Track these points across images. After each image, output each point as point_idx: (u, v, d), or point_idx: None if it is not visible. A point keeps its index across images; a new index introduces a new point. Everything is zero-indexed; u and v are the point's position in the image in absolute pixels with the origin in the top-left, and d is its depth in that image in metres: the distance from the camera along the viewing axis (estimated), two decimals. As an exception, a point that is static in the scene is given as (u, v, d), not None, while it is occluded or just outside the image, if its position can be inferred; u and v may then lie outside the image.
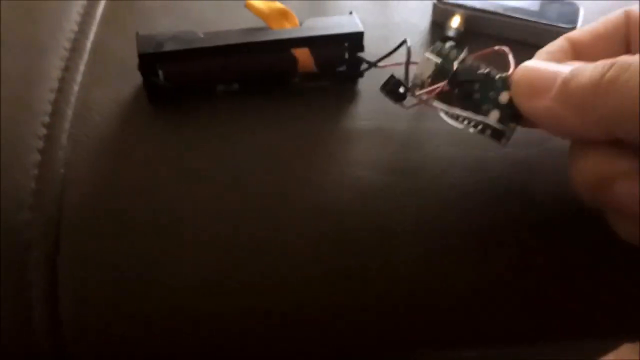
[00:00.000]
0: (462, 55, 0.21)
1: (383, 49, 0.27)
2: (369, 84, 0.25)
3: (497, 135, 0.20)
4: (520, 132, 0.21)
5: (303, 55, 0.24)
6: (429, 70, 0.21)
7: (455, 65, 0.21)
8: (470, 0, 0.29)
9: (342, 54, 0.25)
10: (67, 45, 0.26)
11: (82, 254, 0.22)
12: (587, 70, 0.18)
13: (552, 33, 0.28)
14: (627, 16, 0.21)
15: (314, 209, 0.23)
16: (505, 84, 0.20)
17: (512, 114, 0.20)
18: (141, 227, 0.22)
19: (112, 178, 0.23)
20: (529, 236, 0.22)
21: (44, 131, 0.24)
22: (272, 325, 0.22)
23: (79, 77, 0.26)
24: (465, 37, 0.28)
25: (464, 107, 0.21)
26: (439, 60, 0.21)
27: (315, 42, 0.24)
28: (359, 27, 0.24)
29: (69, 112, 0.24)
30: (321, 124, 0.25)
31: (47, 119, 0.24)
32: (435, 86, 0.21)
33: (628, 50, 0.21)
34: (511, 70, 0.21)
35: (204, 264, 0.22)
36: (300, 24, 0.25)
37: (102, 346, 0.22)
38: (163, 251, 0.22)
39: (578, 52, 0.22)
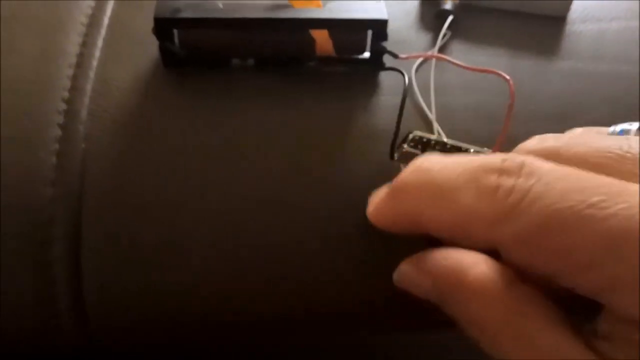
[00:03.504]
0: (441, 140, 0.21)
1: (406, 22, 0.28)
2: (391, 74, 0.26)
3: None
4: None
5: (321, 37, 0.24)
6: (410, 161, 0.21)
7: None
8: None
9: (363, 41, 0.25)
10: (85, 20, 0.26)
11: (105, 228, 0.22)
12: None
13: (549, 2, 0.28)
14: None
15: (333, 186, 0.23)
16: None
17: None
18: (161, 200, 0.23)
19: (131, 151, 0.23)
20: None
21: (64, 106, 0.24)
22: (285, 299, 0.23)
23: (97, 53, 0.26)
24: (460, 11, 0.28)
25: None
26: (418, 152, 0.22)
27: (334, 25, 0.24)
28: (384, 15, 0.24)
29: (88, 87, 0.25)
30: (337, 108, 0.25)
31: (66, 95, 0.24)
32: None
33: None
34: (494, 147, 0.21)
35: (224, 241, 0.22)
36: (324, 5, 0.25)
37: (125, 322, 0.22)
38: (183, 225, 0.22)
39: None
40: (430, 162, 0.18)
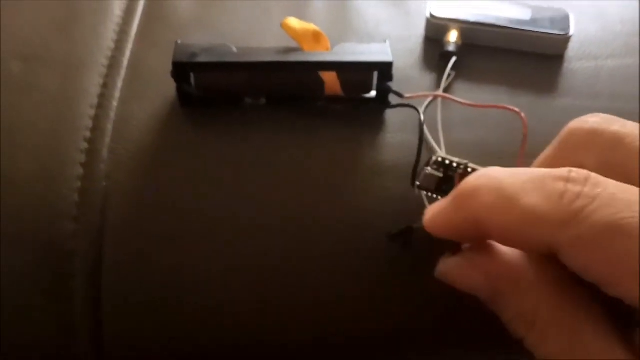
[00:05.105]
0: (463, 161, 0.22)
1: (410, 61, 0.29)
2: (396, 112, 0.27)
3: None
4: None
5: (330, 78, 0.26)
6: (432, 183, 0.23)
7: (457, 174, 0.22)
8: (462, 13, 0.30)
9: (370, 81, 0.26)
10: (105, 62, 0.28)
11: (125, 264, 0.23)
12: None
13: (546, 41, 0.30)
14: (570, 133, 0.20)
15: (341, 220, 0.24)
16: None
17: None
18: (180, 235, 0.24)
19: (150, 189, 0.25)
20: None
21: (85, 145, 0.25)
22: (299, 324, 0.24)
23: (117, 93, 0.27)
24: (462, 51, 0.29)
25: None
26: (440, 174, 0.23)
27: (341, 67, 0.26)
28: (389, 57, 0.25)
29: (109, 127, 0.26)
30: (345, 145, 0.26)
31: (88, 134, 0.26)
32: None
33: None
34: None
35: (243, 275, 0.23)
36: (332, 47, 0.26)
37: (144, 355, 0.23)
38: (202, 261, 0.23)
39: None
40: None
